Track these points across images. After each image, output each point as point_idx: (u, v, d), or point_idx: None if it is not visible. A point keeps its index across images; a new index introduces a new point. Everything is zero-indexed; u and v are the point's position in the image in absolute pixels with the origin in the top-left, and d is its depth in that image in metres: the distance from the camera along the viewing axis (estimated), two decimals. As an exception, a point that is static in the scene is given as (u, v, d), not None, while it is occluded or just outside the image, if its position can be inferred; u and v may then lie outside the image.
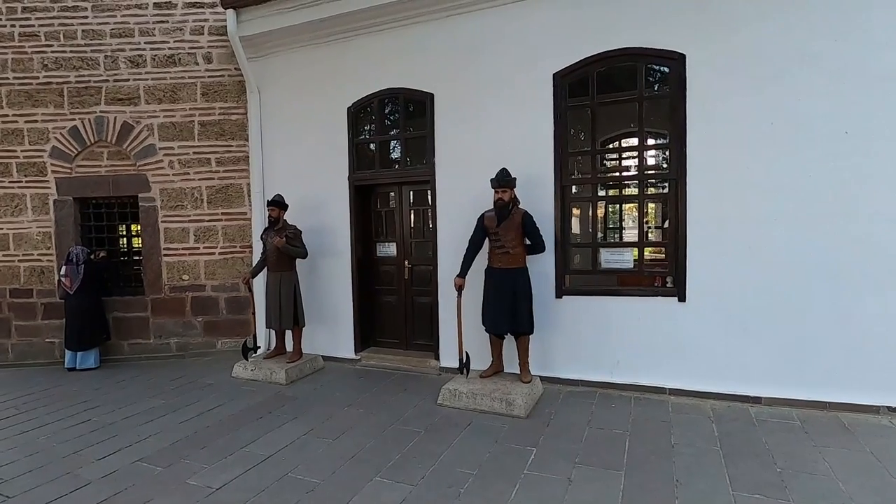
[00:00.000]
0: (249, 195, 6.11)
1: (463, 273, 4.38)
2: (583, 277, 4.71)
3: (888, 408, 3.66)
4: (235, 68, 5.99)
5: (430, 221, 5.24)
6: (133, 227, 6.50)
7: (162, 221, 6.14)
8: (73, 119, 6.07)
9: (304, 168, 5.72)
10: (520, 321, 4.26)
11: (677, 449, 3.30)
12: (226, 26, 5.85)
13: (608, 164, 5.02)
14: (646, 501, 2.73)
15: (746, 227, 3.95)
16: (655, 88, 4.32)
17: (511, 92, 4.66)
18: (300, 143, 5.73)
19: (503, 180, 4.24)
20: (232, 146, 6.09)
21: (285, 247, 5.11)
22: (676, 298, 4.18)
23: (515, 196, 4.33)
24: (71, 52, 6.02)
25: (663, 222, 5.18)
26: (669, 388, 4.22)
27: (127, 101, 6.05)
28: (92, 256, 6.07)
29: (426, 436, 3.67)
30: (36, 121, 6.08)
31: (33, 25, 6.01)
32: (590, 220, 4.66)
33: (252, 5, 5.54)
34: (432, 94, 5.02)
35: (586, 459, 3.21)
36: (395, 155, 5.44)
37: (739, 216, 3.96)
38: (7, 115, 6.09)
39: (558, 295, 4.58)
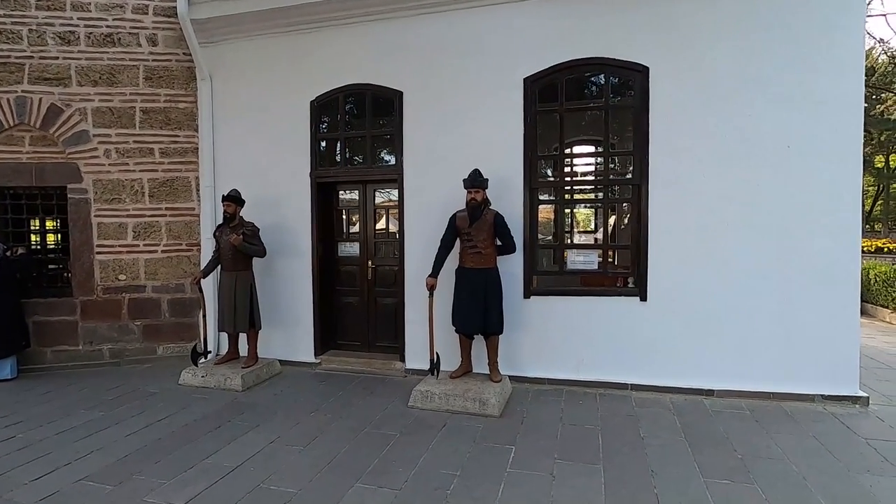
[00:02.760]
0: (198, 189, 5.70)
1: (435, 273, 4.34)
2: (550, 278, 4.83)
3: (822, 396, 4.05)
4: (185, 53, 5.58)
5: (397, 221, 5.15)
6: (56, 222, 5.85)
7: (95, 216, 5.57)
8: (-11, 98, 5.38)
9: (260, 162, 5.43)
10: (491, 321, 4.29)
11: (647, 441, 3.46)
12: (174, 7, 5.41)
13: (575, 167, 5.18)
14: (627, 492, 2.83)
15: (702, 232, 4.23)
16: (621, 98, 4.53)
17: (482, 94, 4.70)
18: (257, 136, 5.44)
19: (476, 181, 4.26)
20: (179, 136, 5.66)
21: (243, 245, 4.81)
22: (638, 298, 4.40)
23: (487, 197, 4.36)
24: (-13, 22, 5.34)
25: (603, 227, 5.45)
26: (632, 384, 4.42)
27: (55, 82, 5.45)
28: (8, 253, 5.39)
29: (402, 439, 3.59)
30: (-60, 97, 5.33)
31: (-61, -11, 5.27)
32: (557, 222, 4.77)
33: (206, -13, 5.20)
34: (401, 92, 4.94)
35: (565, 455, 3.28)
36: (361, 152, 5.30)
37: (696, 222, 4.24)
38: None
39: (526, 295, 4.67)
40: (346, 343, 5.58)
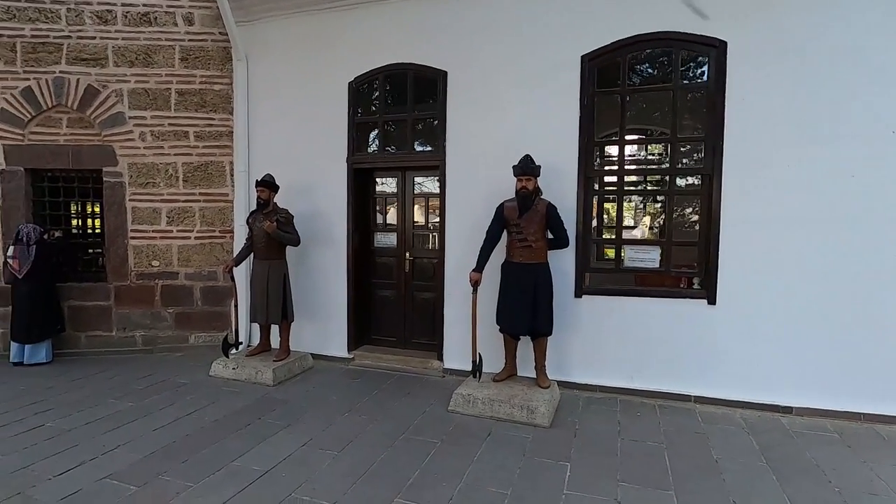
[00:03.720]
0: (232, 174, 5.51)
1: (480, 267, 4.00)
2: (603, 276, 4.42)
3: (923, 420, 3.54)
4: (220, 32, 5.38)
5: (438, 210, 4.83)
6: (92, 206, 5.77)
7: (130, 200, 5.46)
8: (27, 79, 5.30)
9: (295, 147, 5.19)
10: (540, 321, 3.93)
11: (722, 464, 3.04)
12: (211, -15, 5.25)
13: (636, 156, 4.72)
14: (708, 527, 2.44)
15: (783, 227, 3.74)
16: (693, 77, 4.06)
17: (533, 74, 4.31)
18: (292, 119, 5.19)
19: (527, 168, 3.89)
20: (214, 119, 5.47)
21: (276, 232, 4.58)
22: (706, 301, 3.95)
23: (538, 186, 3.98)
24: (26, 2, 5.25)
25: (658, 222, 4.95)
26: (695, 396, 3.99)
27: (92, 62, 5.34)
28: (45, 236, 5.34)
29: (444, 448, 3.28)
30: (-19, 78, 5.29)
31: (-19, -32, 5.21)
32: (614, 215, 4.35)
33: (244, -38, 4.96)
34: (445, 73, 4.60)
35: (629, 477, 2.90)
36: (400, 137, 4.99)
37: (776, 216, 3.75)
38: (-55, 70, 5.27)
39: (577, 294, 4.28)
40: (380, 338, 5.31)
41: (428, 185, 5.15)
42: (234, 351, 4.90)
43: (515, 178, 3.96)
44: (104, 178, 5.42)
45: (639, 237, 4.82)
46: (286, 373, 4.65)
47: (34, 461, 3.09)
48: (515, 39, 4.35)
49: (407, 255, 5.12)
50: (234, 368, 4.65)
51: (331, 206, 5.09)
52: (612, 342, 4.20)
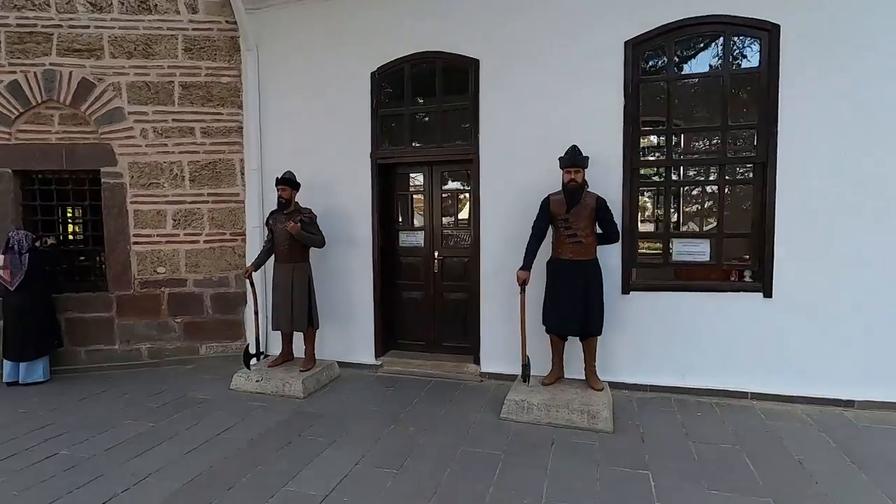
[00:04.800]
0: (243, 173, 5.16)
1: (528, 265, 3.79)
2: (651, 271, 4.26)
3: None
4: (227, 21, 5.02)
5: (471, 206, 4.60)
6: (90, 210, 5.32)
7: (131, 202, 5.05)
8: (13, 72, 4.85)
9: (313, 142, 4.88)
10: (592, 321, 3.74)
11: (808, 466, 2.90)
12: (216, -30, 4.89)
13: (682, 145, 4.56)
14: (822, 537, 2.28)
15: (841, 217, 3.64)
16: (743, 63, 3.92)
17: (574, 60, 4.11)
18: (309, 112, 4.88)
19: (576, 159, 3.69)
20: (222, 114, 5.11)
21: (300, 233, 4.28)
22: (761, 294, 3.82)
23: (586, 178, 3.79)
24: (10, -13, 4.80)
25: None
26: (752, 393, 3.86)
27: (86, 53, 4.91)
28: (38, 244, 4.90)
29: (510, 460, 3.05)
30: (-40, 71, 4.81)
31: (-42, -50, 4.73)
32: (661, 207, 4.19)
33: (254, -56, 4.62)
34: (477, 61, 4.36)
35: (717, 483, 2.73)
36: (428, 130, 4.73)
37: (834, 206, 3.64)
38: (-80, 62, 4.77)
39: (625, 290, 4.10)
40: (407, 343, 5.05)
41: (462, 176, 4.90)
42: (254, 362, 4.56)
43: (562, 171, 3.76)
44: (102, 180, 5.00)
45: (687, 230, 4.64)
46: (315, 384, 4.35)
47: (59, 495, 2.74)
48: (554, 24, 4.14)
49: (436, 254, 4.87)
50: (257, 381, 4.32)
51: (353, 203, 4.80)
52: (661, 339, 4.05)
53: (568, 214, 3.73)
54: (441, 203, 4.88)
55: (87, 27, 4.90)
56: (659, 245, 4.20)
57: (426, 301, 4.96)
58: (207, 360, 5.21)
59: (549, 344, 4.00)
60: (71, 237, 5.39)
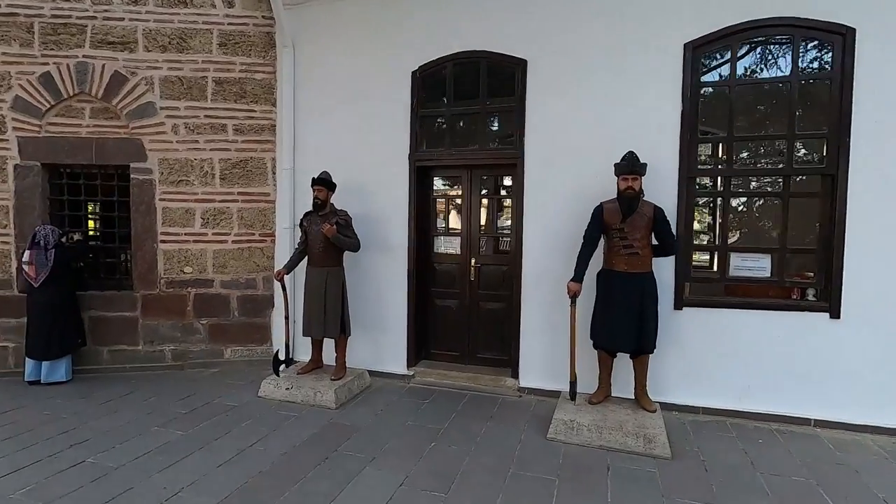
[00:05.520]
0: (274, 172, 5.01)
1: (579, 276, 3.59)
2: (705, 286, 4.03)
3: None
4: (264, 16, 4.89)
5: (512, 211, 4.41)
6: (117, 206, 5.19)
7: (160, 199, 4.92)
8: (46, 63, 4.75)
9: (348, 142, 4.72)
10: (647, 337, 3.52)
11: (894, 505, 2.66)
12: (254, -37, 4.77)
13: (743, 154, 4.33)
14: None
15: (918, 233, 3.40)
16: (814, 68, 3.71)
17: (629, 62, 3.91)
18: (345, 111, 4.72)
19: (635, 166, 3.49)
20: (255, 111, 4.97)
21: (336, 237, 4.11)
22: (828, 314, 3.58)
23: (642, 186, 3.58)
24: (46, -23, 4.70)
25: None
26: (815, 420, 3.61)
27: (120, 46, 4.80)
28: (63, 239, 4.78)
29: (566, 486, 2.84)
30: (-7, 62, 4.71)
31: (-5, -62, 4.64)
32: (717, 219, 3.97)
33: (295, -63, 4.49)
34: (525, 61, 4.18)
35: (799, 523, 2.50)
36: (470, 132, 4.54)
37: (911, 221, 3.41)
38: (-48, 52, 4.68)
39: (677, 306, 3.88)
40: (440, 353, 4.85)
41: (503, 181, 4.72)
42: (283, 368, 4.39)
43: (617, 178, 3.56)
44: (131, 175, 4.88)
45: (745, 243, 4.40)
46: (347, 393, 4.17)
47: (88, 511, 2.57)
48: (608, 23, 3.96)
49: (472, 261, 4.68)
50: (287, 388, 4.15)
51: (389, 206, 4.63)
52: (717, 359, 3.82)
53: (623, 224, 3.53)
54: (480, 208, 4.69)
55: (122, 19, 4.78)
56: (713, 259, 3.98)
57: (461, 310, 4.76)
58: (232, 363, 5.04)
59: (594, 359, 3.79)
60: (97, 233, 5.26)
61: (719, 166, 3.96)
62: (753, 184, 4.12)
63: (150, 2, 4.81)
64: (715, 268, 3.91)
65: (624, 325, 3.50)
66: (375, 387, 4.51)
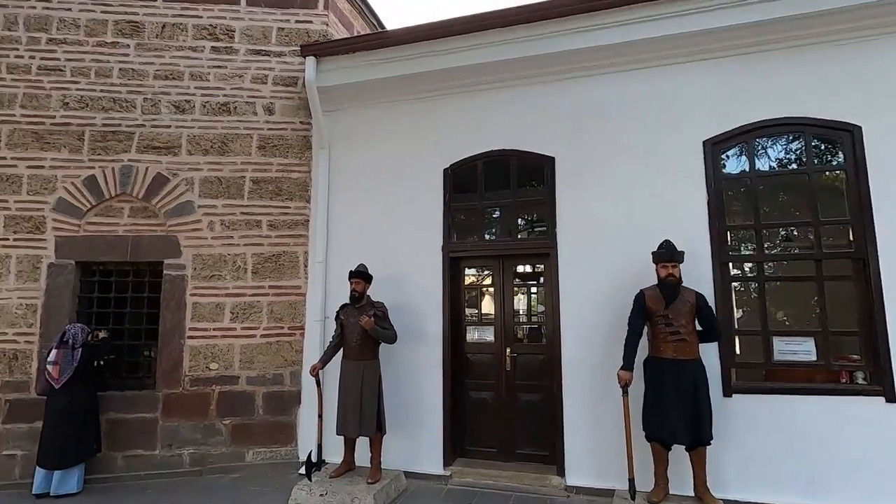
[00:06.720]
0: (306, 265, 5.09)
1: (629, 364, 3.55)
2: (752, 371, 3.99)
3: None
4: (301, 122, 5.25)
5: (548, 300, 4.45)
6: (147, 302, 5.16)
7: (191, 294, 4.92)
8: (92, 167, 4.98)
9: (381, 236, 4.86)
10: (703, 427, 3.41)
11: None
12: (294, 76, 5.23)
13: (770, 240, 4.48)
14: None
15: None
16: (828, 161, 3.99)
17: (653, 158, 4.19)
18: (379, 207, 4.92)
19: (675, 254, 3.60)
20: (289, 207, 5.15)
21: (374, 329, 4.09)
22: (883, 398, 3.52)
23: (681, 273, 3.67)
24: (101, 91, 5.07)
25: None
26: (893, 514, 3.41)
27: (164, 150, 5.07)
28: (90, 338, 4.68)
29: None
30: (42, 166, 4.93)
31: (58, 59, 5.07)
32: (756, 304, 4.03)
33: (335, 54, 4.97)
34: (553, 158, 4.46)
35: None
36: (502, 224, 4.72)
37: (948, 301, 3.48)
38: (4, 158, 4.90)
39: (726, 393, 3.81)
40: (476, 450, 4.62)
41: (530, 272, 4.81)
42: (316, 471, 4.13)
43: (656, 265, 3.67)
44: (164, 272, 4.92)
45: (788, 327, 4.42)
46: (385, 498, 3.90)
47: None
48: (628, 125, 4.29)
49: (507, 350, 4.62)
50: (321, 495, 3.87)
51: (423, 297, 4.66)
52: (775, 449, 3.67)
53: (667, 311, 3.56)
54: (513, 296, 4.73)
55: (169, 126, 5.11)
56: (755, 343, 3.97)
57: (497, 402, 4.61)
58: (254, 467, 4.74)
59: (645, 452, 3.62)
60: (124, 330, 5.15)
61: (751, 252, 4.08)
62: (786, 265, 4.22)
63: (197, 110, 5.17)
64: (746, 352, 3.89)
65: (678, 414, 3.41)
66: (413, 490, 4.23)
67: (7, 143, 4.93)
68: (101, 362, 4.80)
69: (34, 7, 5.11)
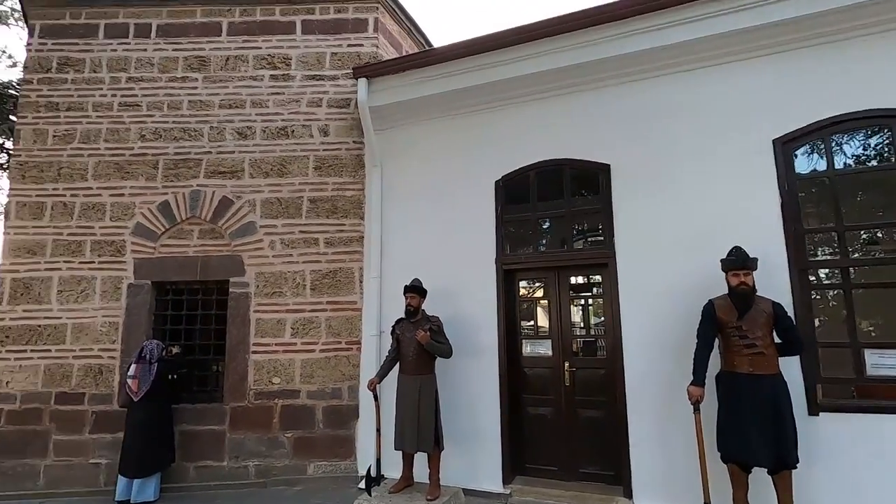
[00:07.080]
0: (361, 281, 5.19)
1: (700, 379, 3.34)
2: (837, 388, 3.65)
3: None
4: (354, 141, 5.41)
5: (608, 311, 4.29)
6: (214, 319, 5.42)
7: (254, 311, 5.13)
8: (166, 193, 5.34)
9: (434, 250, 4.88)
10: (788, 448, 3.13)
11: None
12: (347, 98, 5.41)
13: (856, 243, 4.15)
14: None
15: None
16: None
17: (716, 161, 3.98)
18: (431, 221, 4.95)
19: (746, 261, 3.37)
20: (344, 225, 5.29)
21: (430, 343, 4.08)
22: None
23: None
24: (173, 122, 5.46)
25: None
26: None
27: (229, 175, 5.37)
28: (164, 353, 4.97)
29: None
30: (122, 194, 5.34)
31: (136, 95, 5.52)
32: (835, 313, 3.70)
33: (385, 75, 5.10)
34: (608, 166, 4.34)
35: None
36: (556, 234, 4.62)
37: None
38: (91, 189, 5.36)
39: (812, 411, 3.49)
40: (536, 468, 4.47)
41: (587, 283, 4.66)
42: (376, 486, 4.15)
43: (727, 273, 3.45)
44: (230, 289, 5.17)
45: (881, 338, 4.04)
46: (445, 516, 3.85)
47: None
48: (687, 127, 4.11)
49: (566, 365, 4.48)
50: (382, 511, 3.88)
51: (476, 311, 4.62)
52: (873, 473, 3.32)
53: (741, 322, 3.33)
54: (570, 308, 4.60)
55: (233, 152, 5.41)
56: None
57: (556, 418, 4.47)
58: (316, 480, 4.83)
59: (721, 474, 3.36)
60: (195, 345, 5.45)
61: (830, 257, 3.77)
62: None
63: (258, 136, 5.45)
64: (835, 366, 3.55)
65: (758, 434, 3.15)
66: (472, 508, 4.16)
67: (93, 174, 5.39)
68: (175, 376, 5.08)
69: (115, 49, 5.60)
